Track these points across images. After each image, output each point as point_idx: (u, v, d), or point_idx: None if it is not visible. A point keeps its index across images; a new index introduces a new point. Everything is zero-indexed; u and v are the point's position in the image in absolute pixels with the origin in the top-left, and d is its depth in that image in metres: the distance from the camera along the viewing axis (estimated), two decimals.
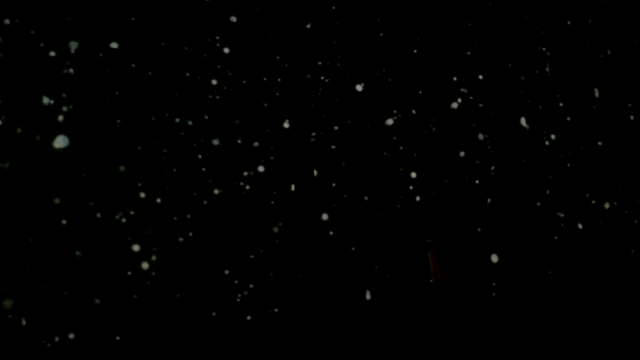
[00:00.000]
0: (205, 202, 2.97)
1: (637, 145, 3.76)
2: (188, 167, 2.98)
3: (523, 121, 3.55)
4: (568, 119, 3.66)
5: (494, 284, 3.29)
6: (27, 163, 2.75)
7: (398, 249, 3.24)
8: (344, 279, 3.11)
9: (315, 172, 3.16)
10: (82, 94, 2.87)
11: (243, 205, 3.02)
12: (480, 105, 3.50)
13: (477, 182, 3.40)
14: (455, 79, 3.48)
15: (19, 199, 2.72)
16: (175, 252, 2.89)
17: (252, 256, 2.99)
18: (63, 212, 2.76)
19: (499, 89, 3.55)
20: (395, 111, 3.36)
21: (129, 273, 2.79)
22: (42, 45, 2.82)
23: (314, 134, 3.19)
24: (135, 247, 2.82)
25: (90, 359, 2.69)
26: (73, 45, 2.86)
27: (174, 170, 2.95)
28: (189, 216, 2.93)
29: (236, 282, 2.95)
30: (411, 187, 3.30)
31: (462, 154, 3.42)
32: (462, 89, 3.48)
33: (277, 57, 3.20)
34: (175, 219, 2.91)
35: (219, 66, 3.10)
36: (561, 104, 3.68)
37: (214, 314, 2.88)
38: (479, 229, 3.36)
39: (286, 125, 3.16)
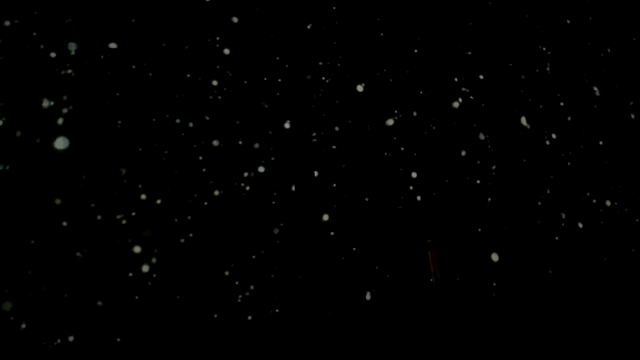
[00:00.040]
0: (205, 203, 2.97)
1: (637, 144, 3.76)
2: (189, 168, 2.98)
3: (524, 120, 3.55)
4: (569, 118, 3.66)
5: (494, 284, 3.29)
6: (28, 164, 2.75)
7: (398, 249, 3.24)
8: (345, 279, 3.11)
9: (316, 173, 3.16)
10: (82, 95, 2.87)
11: (244, 206, 3.02)
12: (481, 104, 3.49)
13: (478, 182, 3.40)
14: (456, 78, 3.47)
15: (19, 200, 2.72)
16: (176, 253, 2.89)
17: (253, 257, 2.99)
18: (64, 213, 2.76)
19: (499, 89, 3.55)
20: (396, 111, 3.35)
21: (130, 274, 2.80)
22: (42, 47, 2.81)
23: (314, 134, 3.19)
24: (137, 249, 2.82)
25: None
26: (73, 47, 2.86)
27: (175, 171, 2.95)
28: (189, 217, 2.93)
29: (237, 283, 2.95)
30: (412, 188, 3.30)
31: (463, 153, 3.42)
32: (463, 89, 3.48)
33: (278, 58, 3.19)
34: (176, 220, 2.91)
35: (219, 67, 3.10)
36: (562, 103, 3.68)
37: (215, 315, 2.88)
38: (479, 229, 3.36)
39: (287, 125, 3.15)
